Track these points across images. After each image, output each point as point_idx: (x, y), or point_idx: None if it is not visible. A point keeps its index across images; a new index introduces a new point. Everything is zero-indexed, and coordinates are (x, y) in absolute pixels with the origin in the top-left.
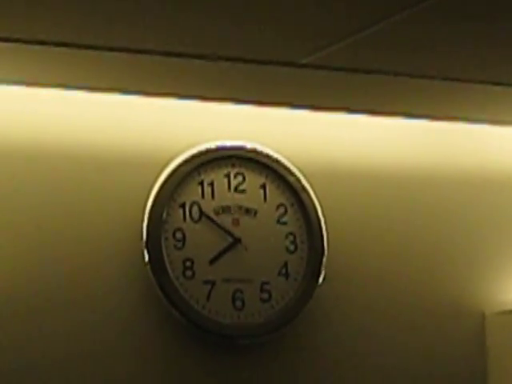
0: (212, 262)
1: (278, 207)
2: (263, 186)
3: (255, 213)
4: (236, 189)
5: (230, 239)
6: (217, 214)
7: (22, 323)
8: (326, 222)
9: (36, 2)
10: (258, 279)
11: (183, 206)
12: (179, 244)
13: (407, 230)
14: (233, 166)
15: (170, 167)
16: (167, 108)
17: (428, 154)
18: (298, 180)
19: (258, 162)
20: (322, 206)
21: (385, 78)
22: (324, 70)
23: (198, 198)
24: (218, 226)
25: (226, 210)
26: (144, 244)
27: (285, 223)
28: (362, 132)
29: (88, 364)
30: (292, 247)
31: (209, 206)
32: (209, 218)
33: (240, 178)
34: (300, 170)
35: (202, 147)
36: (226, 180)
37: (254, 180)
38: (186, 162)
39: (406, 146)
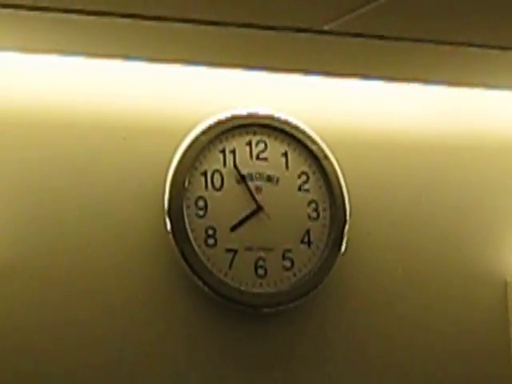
0: (233, 228)
1: (300, 175)
2: (285, 154)
3: (277, 180)
4: (258, 157)
5: (252, 207)
6: (238, 182)
7: (50, 291)
8: (347, 190)
9: None
10: (280, 247)
11: (205, 174)
12: (201, 212)
13: (429, 197)
14: (254, 133)
15: (191, 135)
16: (189, 76)
17: (448, 121)
18: (320, 148)
19: (279, 130)
20: (343, 174)
21: (406, 45)
22: (346, 37)
23: (219, 166)
24: (247, 187)
25: (247, 178)
26: (166, 212)
27: (307, 191)
28: (383, 99)
29: (111, 333)
30: (314, 215)
31: (231, 174)
32: (242, 177)
33: (262, 146)
34: (322, 138)
35: (224, 115)
36: (247, 148)
37: (275, 148)
38: (207, 130)
39: (427, 113)
